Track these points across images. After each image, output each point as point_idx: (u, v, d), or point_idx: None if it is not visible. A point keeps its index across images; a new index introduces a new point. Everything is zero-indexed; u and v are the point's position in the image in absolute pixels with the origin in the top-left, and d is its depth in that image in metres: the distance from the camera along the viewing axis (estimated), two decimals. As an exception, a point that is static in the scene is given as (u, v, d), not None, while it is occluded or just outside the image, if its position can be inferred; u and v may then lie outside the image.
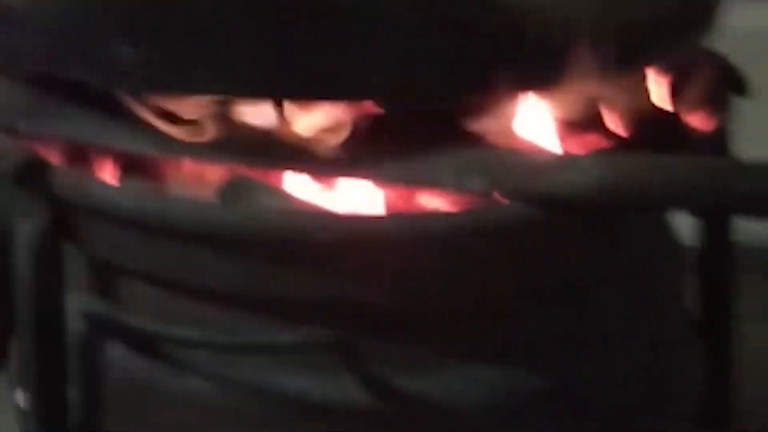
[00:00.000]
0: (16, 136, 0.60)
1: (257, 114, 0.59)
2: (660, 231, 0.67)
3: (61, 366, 0.60)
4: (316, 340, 0.54)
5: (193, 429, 0.58)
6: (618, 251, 0.59)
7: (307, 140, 0.57)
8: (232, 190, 0.55)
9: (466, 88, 0.54)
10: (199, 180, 0.59)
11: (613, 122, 0.62)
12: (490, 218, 0.54)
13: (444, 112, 0.57)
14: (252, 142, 0.57)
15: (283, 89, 0.52)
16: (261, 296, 0.56)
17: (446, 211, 0.55)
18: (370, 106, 0.58)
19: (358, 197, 0.58)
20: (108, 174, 0.61)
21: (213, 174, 0.58)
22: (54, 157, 0.61)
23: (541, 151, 0.57)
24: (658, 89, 0.64)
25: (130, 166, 0.61)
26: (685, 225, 0.68)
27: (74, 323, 0.59)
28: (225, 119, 0.57)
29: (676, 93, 0.63)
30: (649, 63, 0.60)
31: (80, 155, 0.61)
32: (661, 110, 0.63)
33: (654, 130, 0.61)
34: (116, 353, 0.59)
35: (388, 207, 0.57)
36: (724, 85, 0.65)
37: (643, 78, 0.64)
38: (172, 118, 0.57)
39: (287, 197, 0.56)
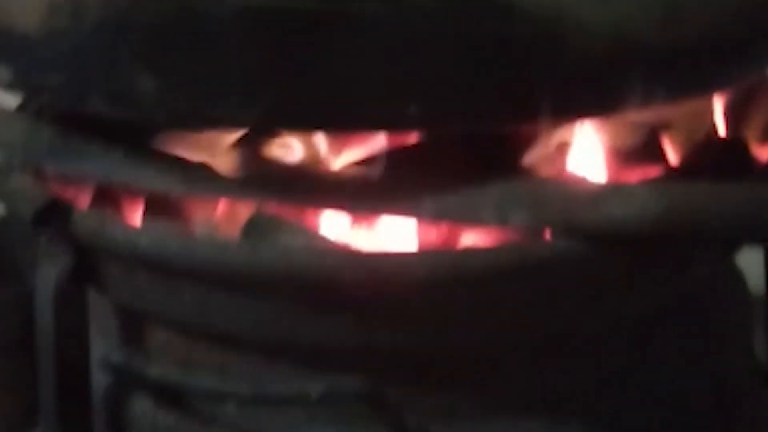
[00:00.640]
0: (40, 176, 0.58)
1: (286, 147, 0.56)
2: (726, 273, 0.62)
3: (86, 419, 0.57)
4: (347, 390, 0.50)
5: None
6: (678, 291, 0.54)
7: (339, 174, 0.54)
8: (256, 228, 0.52)
9: (510, 115, 0.49)
10: (228, 219, 0.56)
11: (672, 152, 0.57)
12: (533, 254, 0.50)
13: (486, 141, 0.53)
14: (280, 177, 0.54)
15: (312, 120, 0.48)
16: (287, 342, 0.52)
17: (484, 246, 0.51)
18: (406, 136, 0.54)
19: (392, 234, 0.54)
20: (134, 215, 0.58)
21: (241, 212, 0.55)
22: (80, 199, 0.58)
23: (590, 182, 0.52)
24: (721, 115, 0.59)
25: (157, 206, 0.58)
26: (757, 274, 0.63)
27: (98, 373, 0.57)
28: (252, 153, 0.54)
29: (740, 119, 0.58)
30: (710, 88, 0.56)
31: (107, 196, 0.59)
32: (724, 137, 0.58)
33: (716, 158, 0.56)
34: (142, 405, 0.56)
35: (426, 244, 0.53)
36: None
37: (705, 103, 0.59)
38: (198, 153, 0.54)
39: (315, 235, 0.52)
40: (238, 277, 0.50)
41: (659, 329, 0.56)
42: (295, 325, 0.51)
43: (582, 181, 0.52)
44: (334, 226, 0.55)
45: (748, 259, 0.63)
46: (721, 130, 0.59)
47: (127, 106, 0.49)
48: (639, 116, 0.56)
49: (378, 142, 0.56)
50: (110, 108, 0.50)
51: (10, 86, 0.55)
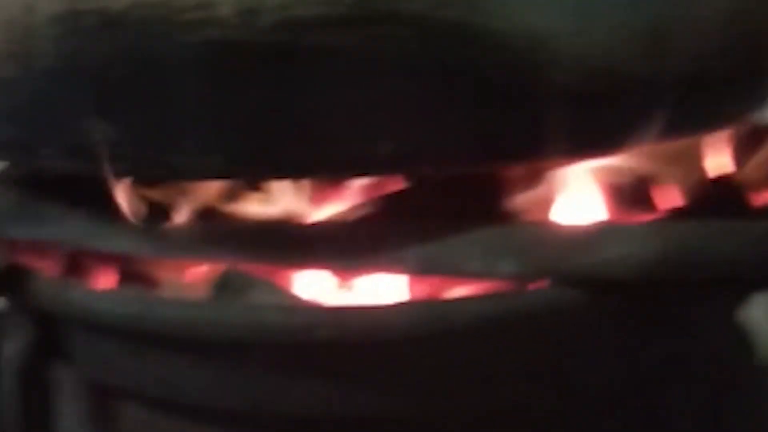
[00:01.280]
0: (3, 242, 0.54)
1: (261, 201, 0.52)
2: (737, 325, 0.57)
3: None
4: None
5: None
6: (683, 344, 0.50)
7: (314, 229, 0.50)
8: (227, 286, 0.48)
9: (487, 154, 0.46)
10: (199, 281, 0.52)
11: (667, 195, 0.54)
12: (522, 303, 0.46)
13: (470, 186, 0.50)
14: (253, 235, 0.50)
15: (276, 165, 0.45)
16: (263, 413, 0.48)
17: (469, 296, 0.47)
18: (389, 185, 0.51)
19: (377, 290, 0.51)
20: (104, 282, 0.55)
21: (213, 272, 0.52)
22: (49, 268, 0.55)
23: (582, 225, 0.49)
24: (717, 154, 0.56)
25: (131, 275, 0.55)
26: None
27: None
28: (220, 208, 0.51)
29: (738, 159, 0.54)
30: (700, 126, 0.52)
31: (79, 266, 0.56)
32: (717, 179, 0.54)
33: (711, 201, 0.52)
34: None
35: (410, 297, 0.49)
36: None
37: (695, 145, 0.55)
38: (163, 211, 0.51)
39: (289, 294, 0.48)
40: (202, 339, 0.46)
41: (663, 392, 0.51)
42: (269, 393, 0.47)
43: (573, 225, 0.49)
44: (316, 284, 0.52)
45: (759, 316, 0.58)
46: (719, 171, 0.55)
47: (82, 158, 0.46)
48: (628, 162, 0.52)
49: (360, 192, 0.53)
50: (65, 160, 0.47)
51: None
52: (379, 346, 0.45)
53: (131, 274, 0.54)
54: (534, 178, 0.51)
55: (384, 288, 0.51)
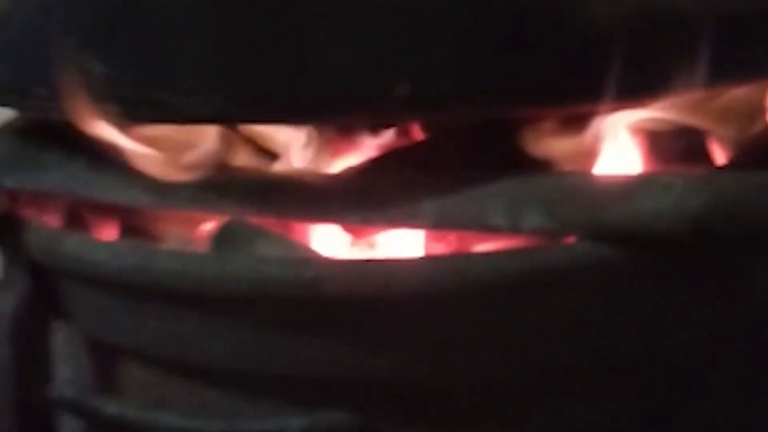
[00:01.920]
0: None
1: (271, 152, 0.49)
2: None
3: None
4: (334, 427, 0.42)
5: None
6: (734, 315, 0.46)
7: (325, 181, 0.46)
8: (228, 239, 0.44)
9: (516, 97, 0.42)
10: (205, 236, 0.49)
11: (724, 150, 0.49)
12: (550, 259, 0.42)
13: (495, 135, 0.46)
14: (260, 186, 0.46)
15: (282, 108, 0.41)
16: (265, 372, 0.44)
17: (492, 251, 0.43)
18: (397, 127, 0.47)
19: (396, 247, 0.47)
20: (105, 236, 0.51)
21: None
22: (49, 220, 0.52)
23: (616, 175, 0.44)
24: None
25: (133, 228, 0.51)
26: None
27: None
28: (227, 155, 0.48)
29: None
30: (762, 70, 0.47)
31: (80, 218, 0.52)
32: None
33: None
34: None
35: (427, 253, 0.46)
36: None
37: (759, 94, 0.51)
38: (164, 158, 0.47)
39: (295, 246, 0.45)
40: (205, 294, 0.43)
41: (712, 362, 0.47)
42: (273, 351, 0.44)
43: (608, 176, 0.44)
44: (330, 240, 0.48)
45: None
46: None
47: (76, 99, 0.43)
48: (681, 116, 0.48)
49: (377, 146, 0.50)
50: (55, 103, 0.43)
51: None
52: (393, 304, 0.42)
53: (134, 228, 0.51)
54: (568, 127, 0.47)
55: (402, 245, 0.48)
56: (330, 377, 0.44)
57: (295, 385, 0.44)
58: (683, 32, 0.42)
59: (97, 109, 0.42)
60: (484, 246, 0.46)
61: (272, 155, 0.50)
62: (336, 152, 0.50)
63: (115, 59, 0.42)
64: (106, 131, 0.44)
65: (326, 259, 0.44)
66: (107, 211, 0.51)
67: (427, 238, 0.48)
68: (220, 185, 0.46)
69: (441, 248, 0.47)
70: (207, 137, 0.47)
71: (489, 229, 0.44)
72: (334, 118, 0.43)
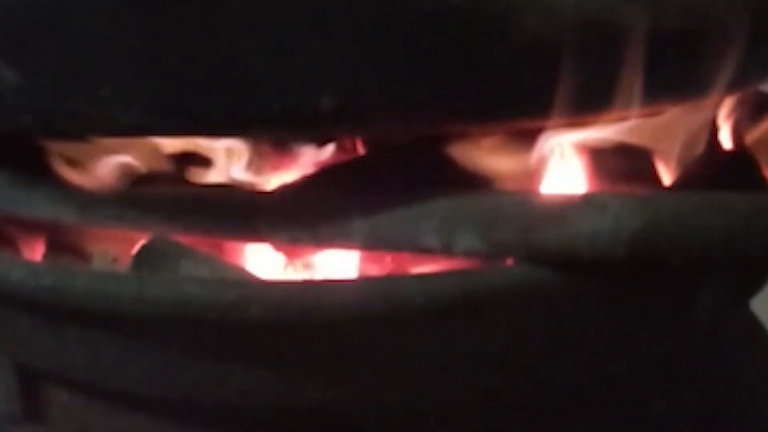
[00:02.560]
0: None
1: (204, 166, 0.47)
2: (742, 322, 0.51)
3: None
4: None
5: None
6: (679, 338, 0.44)
7: (250, 196, 0.45)
8: (148, 257, 0.43)
9: (448, 110, 0.40)
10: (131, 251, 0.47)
11: (664, 169, 0.48)
12: (484, 282, 0.40)
13: (434, 149, 0.44)
14: (186, 200, 0.45)
15: (202, 119, 0.40)
16: (190, 403, 0.42)
17: (424, 274, 0.41)
18: (338, 143, 0.45)
19: (324, 268, 0.45)
20: (30, 254, 0.49)
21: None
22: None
23: (553, 195, 0.43)
24: (727, 127, 0.50)
25: (59, 245, 0.49)
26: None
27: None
28: (155, 171, 0.46)
29: (743, 128, 0.49)
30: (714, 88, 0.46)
31: (5, 235, 0.50)
32: (727, 151, 0.49)
33: (716, 174, 0.46)
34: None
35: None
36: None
37: (705, 116, 0.49)
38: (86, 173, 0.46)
39: (220, 265, 0.43)
40: (123, 316, 0.41)
41: (656, 391, 0.45)
42: (195, 378, 0.42)
43: (544, 195, 0.43)
44: (263, 260, 0.46)
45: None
46: (725, 144, 0.49)
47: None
48: (626, 135, 0.46)
49: (311, 163, 0.48)
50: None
51: None
52: (318, 327, 0.40)
53: (62, 247, 0.49)
54: (510, 145, 0.46)
55: (337, 268, 0.46)
56: (255, 406, 0.42)
57: (220, 414, 0.42)
58: (622, 47, 0.40)
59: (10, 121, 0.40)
60: (421, 268, 0.44)
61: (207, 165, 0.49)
62: (272, 167, 0.48)
63: (27, 66, 0.40)
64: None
65: (250, 280, 0.42)
66: (33, 227, 0.49)
67: (363, 260, 0.46)
68: (144, 201, 0.44)
69: (376, 270, 0.46)
70: (129, 147, 0.46)
71: (421, 251, 0.42)
72: (257, 132, 0.41)
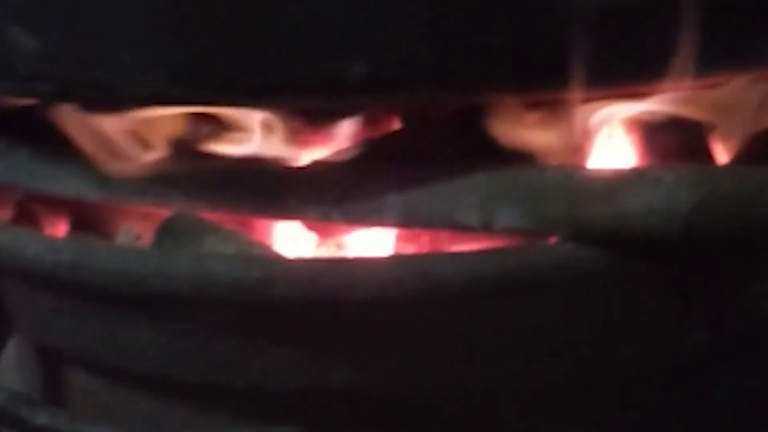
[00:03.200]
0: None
1: (232, 141, 0.45)
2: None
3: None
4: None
5: None
6: (736, 321, 0.41)
7: (279, 172, 0.42)
8: (170, 233, 0.40)
9: (497, 85, 0.38)
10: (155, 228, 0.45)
11: (722, 146, 0.45)
12: (527, 262, 0.37)
13: (474, 123, 0.41)
14: (214, 175, 0.42)
15: (228, 87, 0.37)
16: (214, 383, 0.40)
17: (463, 252, 0.39)
18: (374, 118, 0.43)
19: (355, 244, 0.43)
20: (53, 232, 0.48)
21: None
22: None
23: (602, 170, 0.40)
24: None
25: (83, 223, 0.48)
26: None
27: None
28: (180, 145, 0.44)
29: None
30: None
31: (28, 211, 0.49)
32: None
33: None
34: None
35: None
36: None
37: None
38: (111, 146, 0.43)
39: (246, 242, 0.41)
40: (144, 294, 0.39)
41: (710, 376, 0.42)
42: (219, 359, 0.39)
43: (592, 170, 0.40)
44: (294, 239, 0.44)
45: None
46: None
47: (7, 77, 0.39)
48: (680, 108, 0.43)
49: (347, 137, 0.45)
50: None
51: None
52: (350, 308, 0.38)
53: (85, 224, 0.47)
54: (554, 119, 0.43)
55: (371, 248, 0.44)
56: (282, 389, 0.39)
57: (245, 397, 0.40)
58: (676, 11, 0.38)
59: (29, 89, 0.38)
60: (460, 248, 0.42)
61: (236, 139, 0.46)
62: (305, 142, 0.45)
63: (47, 33, 0.38)
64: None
65: (277, 257, 0.40)
66: (56, 205, 0.47)
67: (398, 240, 0.43)
68: (169, 176, 0.42)
69: (412, 250, 0.43)
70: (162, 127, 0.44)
71: (459, 228, 0.40)
72: (286, 101, 0.39)
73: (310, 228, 0.44)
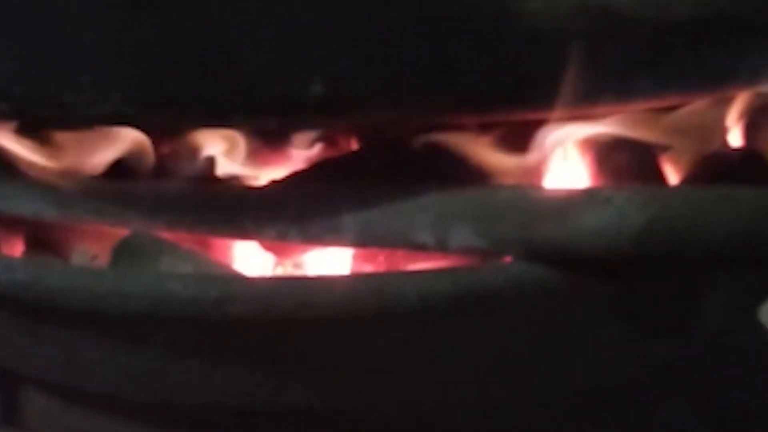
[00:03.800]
0: None
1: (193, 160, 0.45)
2: (751, 326, 0.49)
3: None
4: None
5: None
6: (678, 338, 0.42)
7: (236, 191, 0.43)
8: (127, 252, 0.41)
9: (453, 105, 0.38)
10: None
11: (672, 167, 0.46)
12: (480, 281, 0.38)
13: (430, 145, 0.42)
14: (171, 195, 0.43)
15: (184, 107, 0.38)
16: (173, 404, 0.40)
17: (416, 271, 0.39)
18: (333, 139, 0.43)
19: (313, 264, 0.43)
20: (9, 251, 0.47)
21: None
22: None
23: (554, 189, 0.41)
24: (737, 125, 0.48)
25: (38, 241, 0.47)
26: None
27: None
28: (141, 163, 0.44)
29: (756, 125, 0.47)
30: (708, 83, 0.43)
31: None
32: (737, 149, 0.46)
33: (726, 172, 0.44)
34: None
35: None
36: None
37: (715, 113, 0.47)
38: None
39: (203, 261, 0.41)
40: (100, 314, 0.39)
41: (661, 398, 0.43)
42: (177, 379, 0.39)
43: (543, 189, 0.41)
44: (252, 259, 0.44)
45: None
46: (735, 142, 0.47)
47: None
48: (634, 131, 0.44)
49: (304, 158, 0.46)
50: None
51: None
52: (307, 326, 0.38)
53: (41, 244, 0.47)
54: (510, 141, 0.43)
55: (328, 267, 0.44)
56: (240, 407, 0.39)
57: (203, 416, 0.40)
58: (627, 37, 0.38)
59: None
60: (414, 267, 0.42)
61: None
62: (263, 162, 0.46)
63: (4, 52, 0.38)
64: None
65: (235, 276, 0.40)
66: (12, 224, 0.47)
67: (355, 259, 0.44)
68: (126, 195, 0.43)
69: (369, 269, 0.44)
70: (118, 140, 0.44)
71: (415, 247, 0.40)
72: (243, 121, 0.39)
73: (268, 248, 0.44)
